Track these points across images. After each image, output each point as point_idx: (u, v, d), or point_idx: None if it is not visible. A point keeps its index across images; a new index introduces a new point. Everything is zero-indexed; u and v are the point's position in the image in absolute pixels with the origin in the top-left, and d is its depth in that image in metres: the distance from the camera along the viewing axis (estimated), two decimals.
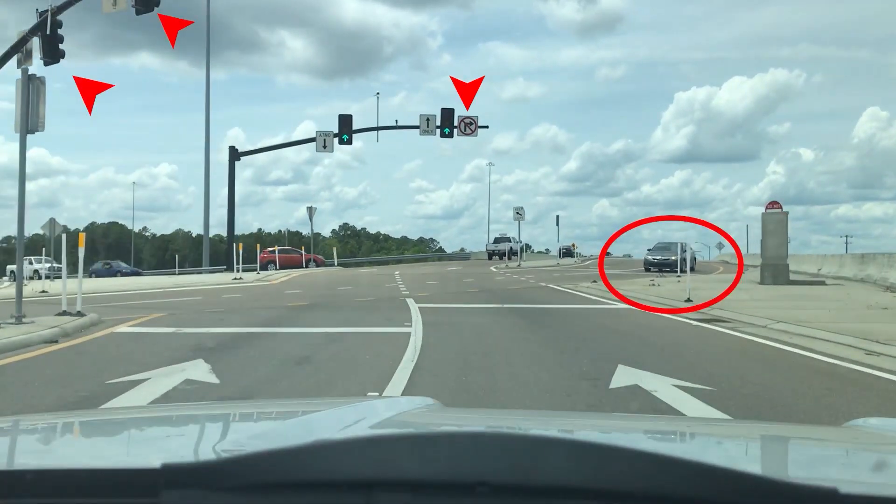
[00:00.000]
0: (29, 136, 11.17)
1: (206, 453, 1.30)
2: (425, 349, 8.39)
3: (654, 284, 20.56)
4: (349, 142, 33.72)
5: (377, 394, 5.90)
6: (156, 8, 15.43)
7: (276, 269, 36.44)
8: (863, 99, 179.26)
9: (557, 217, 49.41)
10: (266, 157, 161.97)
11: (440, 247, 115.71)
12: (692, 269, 30.39)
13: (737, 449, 1.55)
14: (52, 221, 34.86)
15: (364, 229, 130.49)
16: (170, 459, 0.89)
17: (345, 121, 34.11)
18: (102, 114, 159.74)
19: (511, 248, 48.24)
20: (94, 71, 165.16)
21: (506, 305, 14.90)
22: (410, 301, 15.60)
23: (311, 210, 42.05)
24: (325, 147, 32.90)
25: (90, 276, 46.86)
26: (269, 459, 0.86)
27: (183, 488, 0.86)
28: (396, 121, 35.62)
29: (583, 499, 0.82)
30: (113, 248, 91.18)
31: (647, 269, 33.00)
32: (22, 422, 1.77)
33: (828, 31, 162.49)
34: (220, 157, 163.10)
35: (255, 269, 34.21)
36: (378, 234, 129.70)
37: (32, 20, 14.76)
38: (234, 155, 33.23)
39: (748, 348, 8.90)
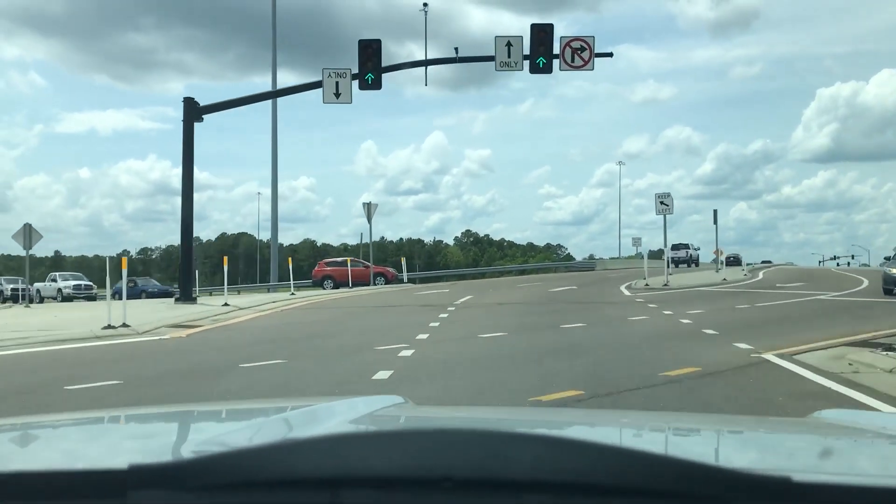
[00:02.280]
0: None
1: (174, 453, 1.29)
2: None
3: None
4: (375, 84, 20.66)
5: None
6: None
7: (332, 286, 30.47)
8: None
9: (715, 212, 34.76)
10: (397, 167, 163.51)
11: (568, 253, 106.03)
12: None
13: (697, 441, 1.57)
14: (28, 227, 26.45)
15: (487, 236, 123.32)
16: (138, 460, 0.89)
17: (366, 51, 20.36)
18: (245, 131, 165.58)
19: (690, 254, 43.60)
20: (237, 90, 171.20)
21: None
22: None
23: (368, 207, 30.25)
24: (337, 94, 19.74)
25: (114, 297, 39.75)
26: (235, 459, 0.88)
27: (150, 488, 0.86)
28: (456, 49, 21.72)
29: (547, 493, 0.82)
30: (243, 258, 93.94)
31: (889, 292, 19.96)
32: None
33: None
34: (351, 169, 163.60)
35: (311, 286, 30.89)
36: (502, 240, 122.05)
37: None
38: (192, 112, 20.29)
39: None
